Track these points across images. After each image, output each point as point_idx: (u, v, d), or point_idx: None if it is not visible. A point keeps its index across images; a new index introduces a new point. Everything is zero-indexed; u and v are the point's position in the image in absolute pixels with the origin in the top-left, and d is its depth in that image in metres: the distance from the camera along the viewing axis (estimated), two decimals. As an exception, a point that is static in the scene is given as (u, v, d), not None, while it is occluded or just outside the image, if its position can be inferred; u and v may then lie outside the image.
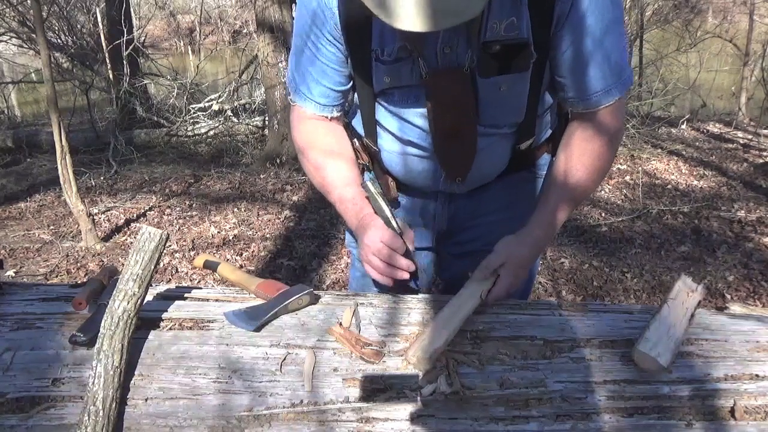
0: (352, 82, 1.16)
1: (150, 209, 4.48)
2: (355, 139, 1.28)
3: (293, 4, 5.27)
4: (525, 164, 1.24)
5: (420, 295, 1.12)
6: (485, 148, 1.12)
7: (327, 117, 1.20)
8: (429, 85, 1.04)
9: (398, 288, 1.27)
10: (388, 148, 1.20)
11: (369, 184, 1.11)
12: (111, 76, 7.05)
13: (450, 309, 0.99)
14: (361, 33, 1.04)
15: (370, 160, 1.28)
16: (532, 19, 0.97)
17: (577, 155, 1.09)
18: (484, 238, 1.26)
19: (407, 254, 1.07)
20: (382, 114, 1.16)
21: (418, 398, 0.86)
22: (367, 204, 1.13)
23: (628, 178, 4.72)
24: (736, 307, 1.11)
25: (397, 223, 1.08)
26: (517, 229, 1.11)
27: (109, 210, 4.49)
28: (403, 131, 1.14)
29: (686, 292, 1.02)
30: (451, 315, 0.97)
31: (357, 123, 1.25)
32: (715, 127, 6.36)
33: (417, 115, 1.11)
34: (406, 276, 1.07)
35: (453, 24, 0.82)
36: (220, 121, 6.68)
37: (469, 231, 1.30)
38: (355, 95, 1.20)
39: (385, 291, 1.31)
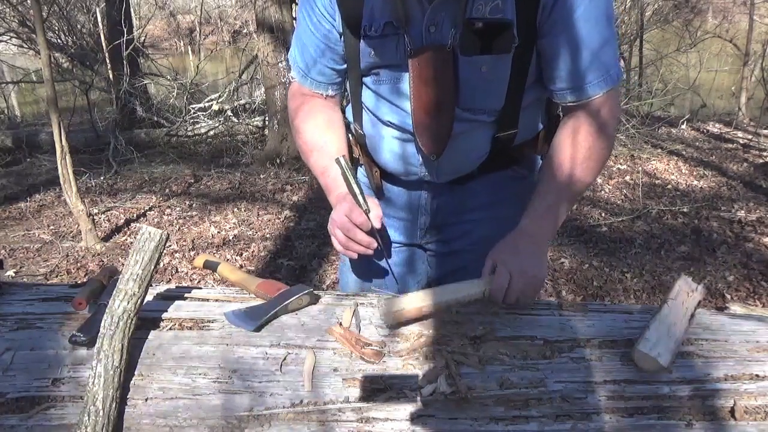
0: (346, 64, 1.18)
1: (150, 209, 4.49)
2: (350, 134, 1.30)
3: (293, 4, 5.27)
4: (508, 161, 1.24)
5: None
6: (463, 133, 1.13)
7: (322, 95, 1.23)
8: (412, 61, 1.06)
9: (371, 273, 1.28)
10: (372, 131, 1.22)
11: (342, 160, 1.13)
12: (111, 76, 7.05)
13: (443, 288, 1.00)
14: (355, 10, 1.07)
15: (361, 152, 1.30)
16: (517, 4, 1.00)
17: (570, 147, 1.09)
18: (468, 236, 1.27)
19: (372, 233, 1.10)
20: (367, 96, 1.19)
21: (418, 398, 0.86)
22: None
23: (628, 178, 4.72)
24: (736, 307, 1.11)
25: (365, 201, 1.10)
26: (503, 232, 1.11)
27: (109, 210, 4.50)
28: (386, 113, 1.16)
29: (686, 292, 1.02)
30: (440, 292, 0.98)
31: (348, 112, 1.29)
32: (715, 127, 6.37)
33: (400, 97, 1.12)
34: (367, 252, 1.11)
35: None
36: (220, 121, 6.69)
37: (453, 228, 1.31)
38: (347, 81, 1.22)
39: (361, 276, 1.35)
